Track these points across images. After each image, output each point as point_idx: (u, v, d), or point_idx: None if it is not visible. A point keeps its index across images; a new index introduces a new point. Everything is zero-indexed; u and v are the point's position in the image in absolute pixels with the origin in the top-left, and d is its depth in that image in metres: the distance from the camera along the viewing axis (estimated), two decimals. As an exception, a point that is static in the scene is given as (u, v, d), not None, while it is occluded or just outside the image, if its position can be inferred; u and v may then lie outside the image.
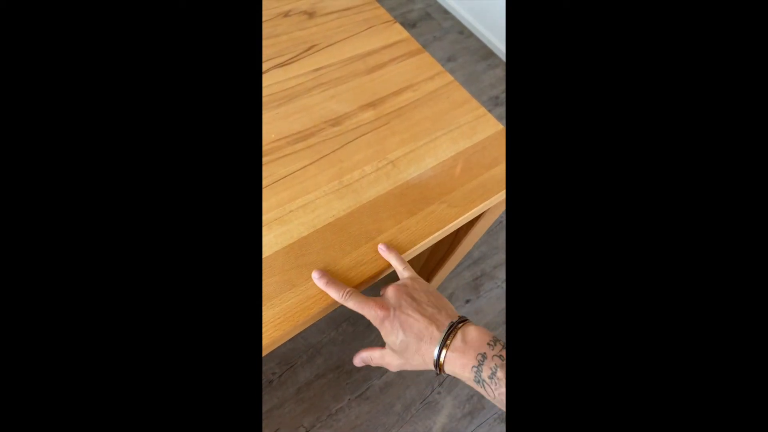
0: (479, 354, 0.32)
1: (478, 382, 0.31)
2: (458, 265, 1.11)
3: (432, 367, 0.34)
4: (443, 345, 0.33)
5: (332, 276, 0.40)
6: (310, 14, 0.62)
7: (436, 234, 0.46)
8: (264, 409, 0.87)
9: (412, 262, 0.89)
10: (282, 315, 0.38)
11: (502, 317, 1.06)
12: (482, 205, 0.48)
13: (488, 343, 0.32)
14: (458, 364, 0.32)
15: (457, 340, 0.33)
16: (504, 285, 1.11)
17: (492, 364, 0.31)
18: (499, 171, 0.51)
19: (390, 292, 0.38)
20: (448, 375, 0.34)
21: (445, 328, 0.34)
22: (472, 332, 0.33)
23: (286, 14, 0.61)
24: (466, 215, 0.47)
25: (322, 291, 0.39)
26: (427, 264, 0.81)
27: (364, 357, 0.39)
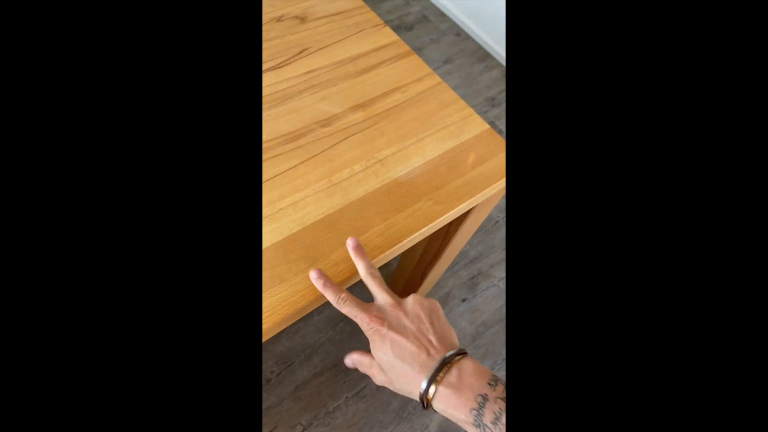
0: (479, 395, 0.28)
1: (479, 426, 0.28)
2: (455, 264, 1.12)
3: (417, 399, 0.31)
4: (433, 379, 0.30)
5: (322, 270, 0.41)
6: (302, 19, 0.63)
7: (423, 230, 0.47)
8: (262, 407, 0.88)
9: (404, 259, 0.91)
10: (271, 308, 0.39)
11: (498, 315, 1.07)
12: (468, 201, 0.50)
13: (489, 383, 0.29)
14: (452, 403, 0.29)
15: (451, 376, 0.30)
16: (500, 284, 1.11)
17: (496, 408, 0.28)
18: (485, 169, 0.52)
19: (390, 304, 0.35)
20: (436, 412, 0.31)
21: (439, 359, 0.31)
22: (469, 368, 0.30)
23: (279, 19, 0.62)
24: (453, 212, 0.49)
25: (310, 285, 0.41)
26: (421, 261, 0.82)
27: (354, 359, 0.37)
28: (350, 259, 0.44)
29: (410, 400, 0.93)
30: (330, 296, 0.37)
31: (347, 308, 0.36)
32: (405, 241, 0.46)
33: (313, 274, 0.39)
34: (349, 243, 0.41)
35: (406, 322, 0.34)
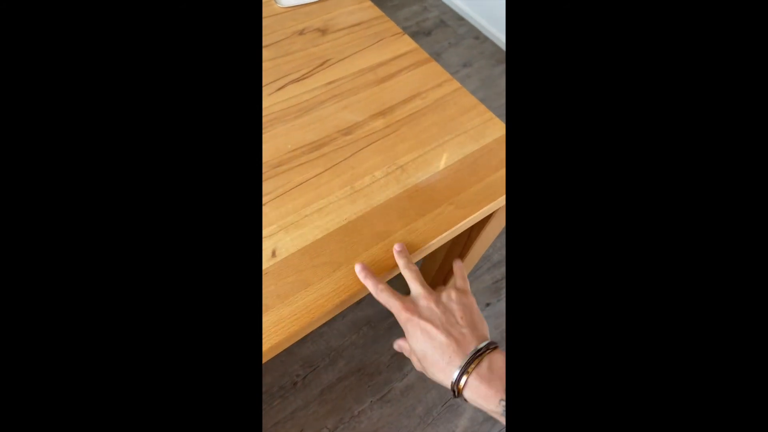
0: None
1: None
2: (478, 269, 1.11)
3: (449, 387, 0.32)
4: (464, 370, 0.31)
5: (349, 272, 0.42)
6: (323, 31, 0.65)
7: (445, 234, 0.47)
8: (289, 410, 0.90)
9: (427, 263, 0.91)
10: (298, 312, 0.41)
11: (524, 320, 1.05)
12: (489, 205, 0.50)
13: None
14: (482, 393, 0.30)
15: (482, 368, 0.31)
16: (525, 288, 1.10)
17: None
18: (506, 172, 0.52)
19: (423, 295, 0.36)
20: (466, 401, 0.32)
21: (470, 352, 0.32)
22: (499, 360, 0.31)
23: (301, 32, 0.65)
24: (474, 216, 0.49)
25: (335, 290, 0.42)
26: (443, 266, 0.82)
27: (401, 344, 0.39)
28: (374, 264, 0.45)
29: (435, 405, 0.93)
30: (370, 285, 0.40)
31: (384, 297, 0.38)
32: (427, 245, 0.47)
33: (357, 267, 0.42)
34: (395, 247, 0.45)
35: (438, 312, 0.35)
